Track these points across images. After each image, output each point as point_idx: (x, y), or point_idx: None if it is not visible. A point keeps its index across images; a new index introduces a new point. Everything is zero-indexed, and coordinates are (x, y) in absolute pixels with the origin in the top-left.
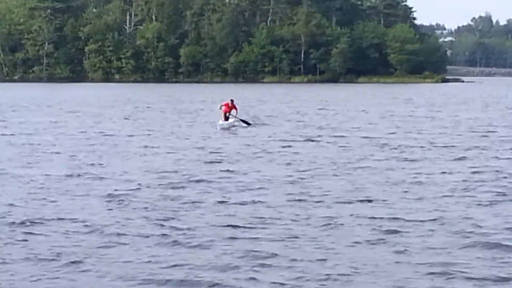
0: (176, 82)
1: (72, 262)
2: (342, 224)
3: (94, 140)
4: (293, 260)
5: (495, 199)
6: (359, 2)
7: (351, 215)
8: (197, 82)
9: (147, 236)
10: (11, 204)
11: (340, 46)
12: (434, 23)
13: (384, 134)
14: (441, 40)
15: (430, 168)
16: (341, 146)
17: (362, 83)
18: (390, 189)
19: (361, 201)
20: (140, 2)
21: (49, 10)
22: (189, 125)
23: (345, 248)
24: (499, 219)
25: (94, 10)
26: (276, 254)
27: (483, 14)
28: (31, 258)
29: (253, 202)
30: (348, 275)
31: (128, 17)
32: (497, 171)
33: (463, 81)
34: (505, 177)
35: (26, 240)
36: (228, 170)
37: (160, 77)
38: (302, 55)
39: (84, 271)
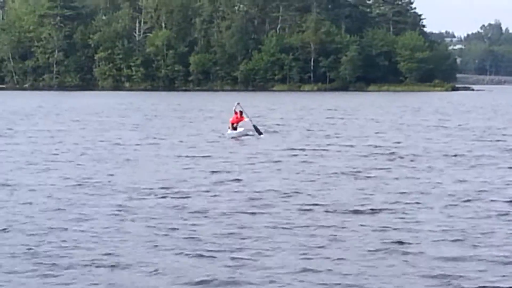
0: (186, 90)
1: (72, 268)
2: (350, 234)
3: (102, 148)
4: (300, 270)
5: (505, 209)
6: (368, 10)
7: (359, 224)
8: (207, 90)
9: (153, 246)
10: (19, 213)
11: (350, 54)
12: (443, 31)
13: (392, 143)
14: (450, 48)
15: (439, 178)
16: (349, 155)
17: (372, 91)
18: (399, 198)
19: (370, 210)
20: (150, 9)
21: (58, 18)
22: (198, 134)
23: (353, 258)
24: (509, 230)
25: (104, 17)
26: (283, 265)
27: (492, 22)
28: (37, 269)
29: (260, 211)
30: (355, 283)
31: (137, 25)
32: (507, 180)
33: (473, 90)
34: None
35: (32, 249)
36: (236, 179)
37: (170, 85)
38: (312, 63)
39: (86, 279)
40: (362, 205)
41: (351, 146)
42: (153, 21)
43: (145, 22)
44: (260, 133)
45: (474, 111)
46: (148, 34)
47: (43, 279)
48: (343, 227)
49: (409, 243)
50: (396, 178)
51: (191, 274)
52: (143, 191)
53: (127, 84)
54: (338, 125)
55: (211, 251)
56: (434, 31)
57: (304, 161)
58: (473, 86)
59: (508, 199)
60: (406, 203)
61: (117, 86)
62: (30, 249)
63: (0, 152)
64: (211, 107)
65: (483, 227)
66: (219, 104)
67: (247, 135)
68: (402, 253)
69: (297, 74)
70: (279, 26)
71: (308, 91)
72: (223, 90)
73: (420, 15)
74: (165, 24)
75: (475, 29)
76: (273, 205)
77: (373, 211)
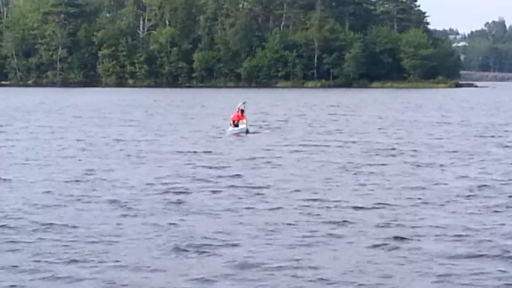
0: (189, 87)
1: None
2: (350, 230)
3: (103, 144)
4: (301, 265)
5: (506, 205)
6: (372, 7)
7: (360, 220)
8: (211, 87)
9: (153, 243)
10: (19, 209)
11: (353, 51)
12: (447, 28)
13: (394, 139)
14: (454, 45)
15: (441, 174)
16: (351, 151)
17: (375, 88)
18: (400, 194)
19: (371, 206)
20: (154, 6)
21: (62, 15)
22: (199, 130)
23: (353, 254)
24: (510, 225)
25: (108, 15)
26: (283, 261)
27: (496, 19)
28: (37, 265)
29: (262, 207)
30: (355, 280)
31: (141, 22)
32: (508, 176)
33: (476, 86)
34: None
35: (32, 244)
36: (237, 175)
37: (173, 82)
38: (316, 60)
39: (86, 275)
40: (364, 200)
41: (353, 142)
42: (157, 19)
43: (149, 20)
44: (247, 133)
45: (477, 108)
46: (152, 31)
47: (42, 275)
48: (344, 222)
49: (410, 239)
50: (398, 174)
51: (191, 270)
52: (144, 186)
53: (130, 81)
54: (340, 122)
55: (211, 246)
56: (438, 29)
57: (305, 157)
58: (477, 83)
59: (510, 195)
60: (408, 199)
61: (120, 83)
62: (30, 244)
63: (1, 147)
64: (214, 104)
65: (485, 223)
66: (222, 101)
67: (247, 132)
68: (403, 248)
69: (300, 71)
70: (283, 23)
71: (311, 87)
72: (226, 87)
73: (424, 13)
74: (169, 21)
75: (479, 26)
76: (274, 200)
77: (374, 207)
